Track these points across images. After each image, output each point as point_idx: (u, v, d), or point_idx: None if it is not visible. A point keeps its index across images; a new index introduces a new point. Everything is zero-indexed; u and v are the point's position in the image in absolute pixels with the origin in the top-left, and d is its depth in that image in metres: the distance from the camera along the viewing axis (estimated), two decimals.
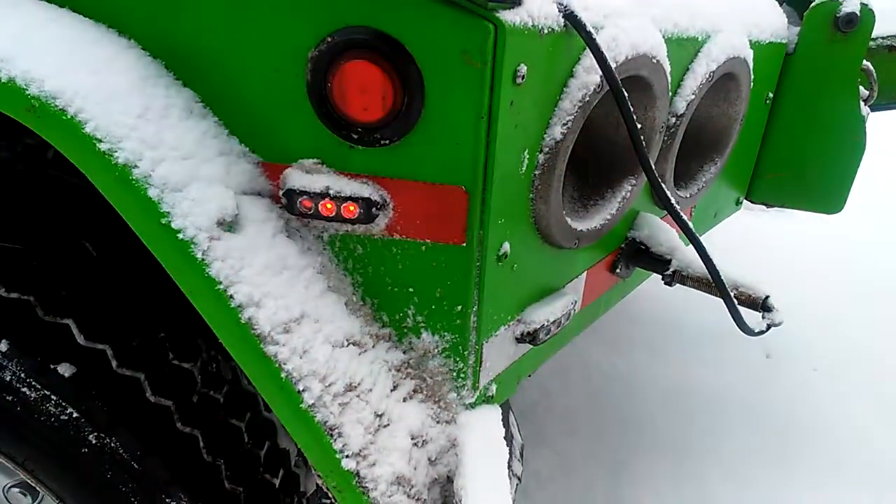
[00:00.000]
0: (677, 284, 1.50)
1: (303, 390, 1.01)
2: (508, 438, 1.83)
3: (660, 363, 3.25)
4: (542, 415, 2.80)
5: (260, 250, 1.00)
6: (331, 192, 1.01)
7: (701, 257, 1.29)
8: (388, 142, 0.97)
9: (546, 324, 1.22)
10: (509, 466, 1.84)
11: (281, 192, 1.03)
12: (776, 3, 1.93)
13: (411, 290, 1.09)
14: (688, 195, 1.64)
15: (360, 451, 1.05)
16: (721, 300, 1.37)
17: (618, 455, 2.66)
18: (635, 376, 3.14)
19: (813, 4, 1.84)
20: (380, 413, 1.09)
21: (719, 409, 2.94)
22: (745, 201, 2.22)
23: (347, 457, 1.04)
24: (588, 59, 1.07)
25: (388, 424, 1.10)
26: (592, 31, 1.00)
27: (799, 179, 2.07)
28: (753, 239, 4.09)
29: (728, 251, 3.51)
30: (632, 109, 1.10)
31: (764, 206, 2.23)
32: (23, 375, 1.10)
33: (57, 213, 1.30)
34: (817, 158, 2.02)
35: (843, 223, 3.33)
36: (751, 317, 1.41)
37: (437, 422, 1.17)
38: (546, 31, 0.97)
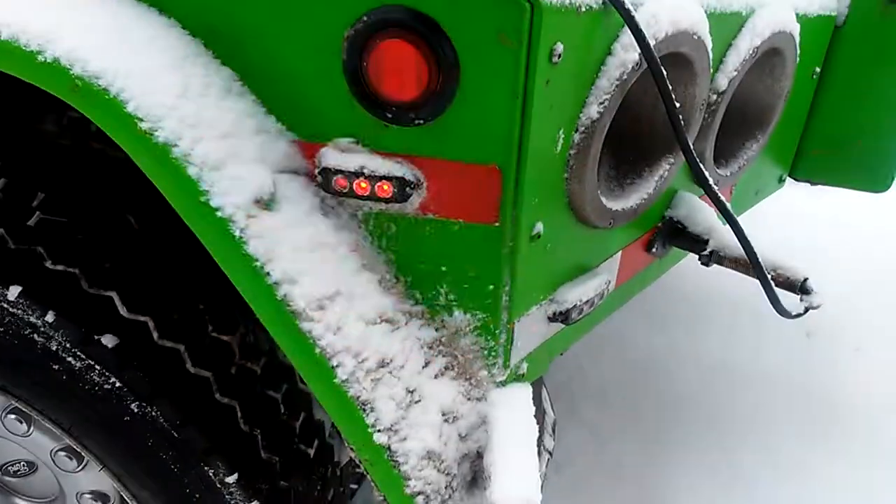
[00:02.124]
0: (714, 265, 1.48)
1: (336, 366, 1.03)
2: (540, 414, 1.84)
3: (697, 340, 3.21)
4: (576, 390, 2.81)
5: (296, 228, 1.01)
6: (365, 171, 1.02)
7: (738, 238, 1.27)
8: (422, 121, 0.97)
9: (579, 303, 1.22)
10: (541, 442, 1.85)
11: (316, 171, 1.04)
12: None
13: (444, 268, 1.10)
14: (728, 173, 1.61)
15: (392, 425, 1.07)
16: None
17: (651, 432, 2.66)
18: (671, 353, 3.11)
19: None
20: (411, 389, 1.11)
21: (757, 388, 2.91)
22: (787, 178, 2.17)
23: (379, 431, 1.06)
24: (626, 37, 1.05)
25: (420, 400, 1.11)
26: (631, 7, 0.98)
27: (845, 156, 2.02)
28: (797, 214, 3.99)
29: (771, 228, 3.46)
30: (670, 87, 1.08)
31: (808, 184, 2.18)
32: (68, 345, 1.14)
33: (100, 186, 1.34)
34: (866, 135, 1.96)
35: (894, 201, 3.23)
36: (788, 299, 1.40)
37: (468, 399, 1.18)
38: (583, 9, 0.95)
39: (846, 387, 2.95)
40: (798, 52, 1.60)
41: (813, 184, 2.16)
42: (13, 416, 1.34)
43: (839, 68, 1.89)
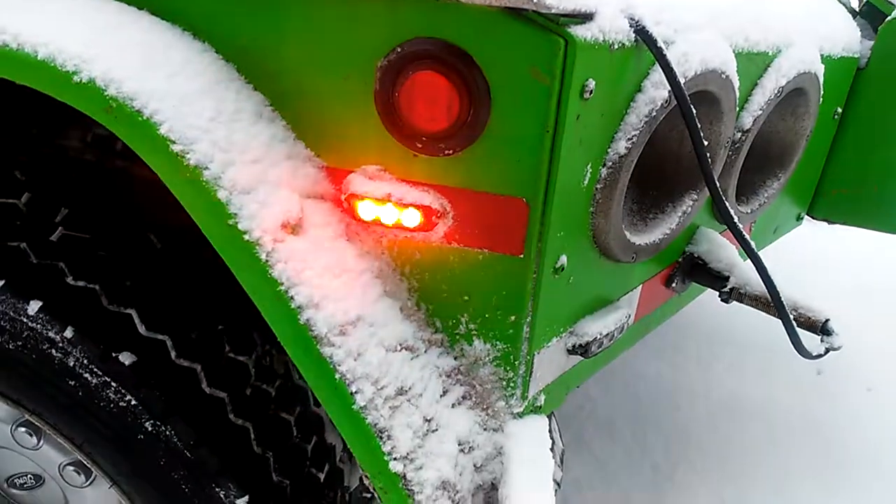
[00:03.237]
0: (734, 302, 1.47)
1: (355, 392, 1.02)
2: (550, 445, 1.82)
3: (706, 374, 3.19)
4: (584, 421, 2.78)
5: (321, 253, 1.02)
6: (392, 198, 1.02)
7: (761, 277, 1.27)
8: (451, 151, 0.97)
9: (598, 337, 1.22)
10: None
11: (343, 197, 1.05)
12: (849, 15, 1.87)
13: (466, 297, 1.10)
14: (749, 210, 1.61)
15: (408, 454, 1.06)
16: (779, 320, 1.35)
17: (660, 466, 2.63)
18: (681, 386, 3.09)
19: (889, 19, 1.78)
20: (429, 418, 1.10)
21: (767, 424, 2.88)
22: (806, 217, 2.16)
23: (395, 459, 1.05)
24: (657, 74, 1.05)
25: (437, 429, 1.11)
26: (663, 46, 0.99)
27: (865, 197, 2.01)
28: (811, 252, 3.98)
29: (784, 264, 3.44)
30: (699, 126, 1.08)
31: (826, 223, 2.17)
32: (86, 362, 1.14)
33: (123, 203, 1.34)
34: (885, 176, 1.95)
35: None
36: (807, 338, 1.38)
37: (485, 429, 1.17)
38: (616, 47, 0.96)
39: (857, 426, 2.92)
40: (821, 92, 1.60)
41: (831, 223, 2.15)
42: (23, 429, 1.33)
43: (860, 109, 1.89)
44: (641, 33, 0.97)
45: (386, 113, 0.97)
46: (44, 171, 1.34)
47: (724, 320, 3.52)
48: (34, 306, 1.13)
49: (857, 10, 1.98)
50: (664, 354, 3.23)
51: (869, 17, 1.94)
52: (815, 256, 3.93)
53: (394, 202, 1.02)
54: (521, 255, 1.02)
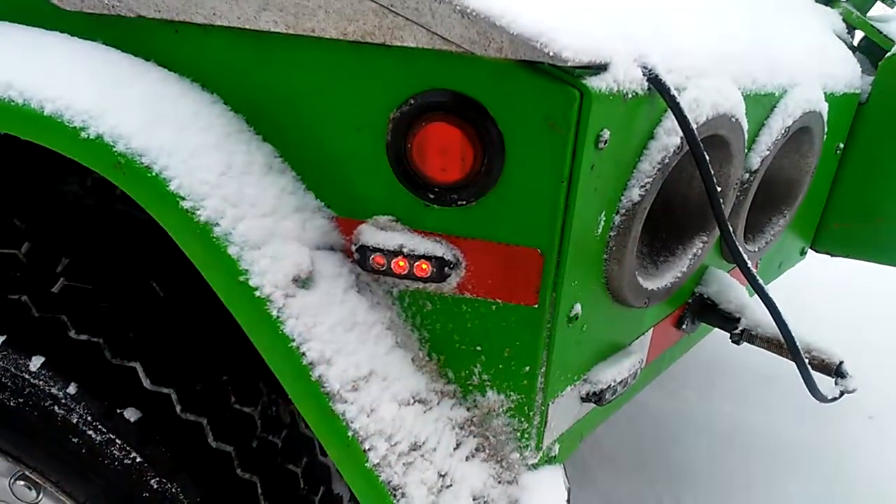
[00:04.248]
0: (745, 343, 1.45)
1: (368, 449, 1.00)
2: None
3: (708, 405, 3.17)
4: (587, 455, 2.75)
5: (332, 307, 1.00)
6: (404, 249, 1.00)
7: (774, 319, 1.25)
8: (464, 202, 0.96)
9: (613, 384, 1.20)
10: None
11: (354, 248, 1.03)
12: (849, 51, 1.88)
13: (479, 348, 1.08)
14: (756, 248, 1.60)
15: None
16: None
17: (663, 499, 2.60)
18: (683, 418, 3.07)
19: (888, 54, 1.79)
20: (443, 473, 1.07)
21: (770, 456, 2.86)
22: (809, 250, 2.16)
23: None
24: (669, 121, 1.05)
25: (451, 485, 1.08)
26: (676, 94, 0.98)
27: (866, 230, 2.01)
28: (812, 280, 3.98)
29: (785, 289, 3.44)
30: (711, 172, 1.08)
31: (828, 255, 2.17)
32: (89, 419, 1.10)
33: (125, 250, 1.32)
34: (886, 210, 1.95)
35: None
36: (820, 379, 1.37)
37: (499, 482, 1.15)
38: (630, 96, 0.95)
39: (859, 454, 2.90)
40: (825, 129, 1.60)
41: (833, 255, 2.15)
42: (22, 483, 1.29)
43: (861, 144, 1.90)
44: (655, 82, 0.97)
45: (398, 164, 0.95)
46: (43, 219, 1.32)
47: (722, 349, 3.50)
48: (36, 362, 1.10)
49: (857, 45, 1.99)
50: (666, 386, 3.21)
51: (868, 52, 1.96)
52: (816, 284, 3.93)
53: (406, 253, 1.00)
54: (536, 305, 1.01)
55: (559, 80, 0.87)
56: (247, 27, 0.96)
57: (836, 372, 1.38)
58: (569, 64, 0.86)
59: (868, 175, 1.94)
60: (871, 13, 2.03)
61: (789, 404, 3.13)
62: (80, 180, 1.50)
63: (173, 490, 1.13)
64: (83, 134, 0.89)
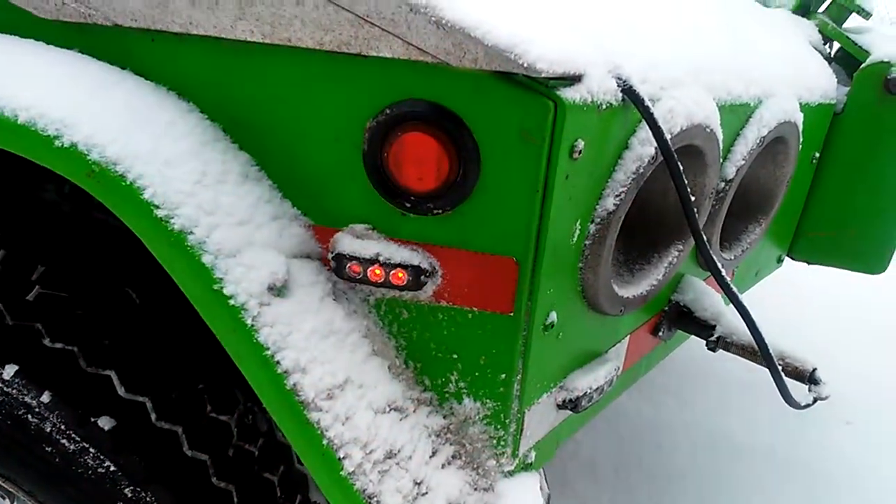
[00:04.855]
0: (721, 350, 1.47)
1: (343, 458, 0.99)
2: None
3: (688, 411, 3.19)
4: (567, 463, 2.76)
5: (308, 315, 0.99)
6: (380, 258, 1.01)
7: (748, 327, 1.27)
8: (440, 211, 0.97)
9: (588, 391, 1.20)
10: None
11: (330, 256, 1.03)
12: (825, 62, 1.91)
13: (455, 356, 1.08)
14: (732, 257, 1.62)
15: None
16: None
17: None
18: (663, 424, 3.08)
19: (863, 66, 1.82)
20: (418, 481, 1.07)
21: (748, 461, 2.88)
22: (786, 258, 2.18)
23: None
24: (643, 132, 1.06)
25: (427, 493, 1.08)
26: (650, 104, 0.99)
27: (842, 239, 2.04)
28: (785, 287, 4.02)
29: (760, 298, 3.47)
30: (686, 181, 1.09)
31: (805, 263, 2.19)
32: (63, 427, 1.10)
33: (101, 257, 1.31)
34: (862, 219, 1.98)
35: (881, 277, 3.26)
36: (794, 386, 1.38)
37: (475, 489, 1.15)
38: (604, 107, 0.96)
39: (836, 460, 2.93)
40: (800, 139, 1.62)
41: (810, 263, 2.17)
42: None
43: (837, 154, 1.93)
44: (629, 93, 0.98)
45: (375, 173, 0.96)
46: (19, 226, 1.30)
47: (703, 355, 3.53)
48: (10, 370, 1.09)
49: (832, 56, 2.02)
50: (645, 393, 3.23)
51: (843, 63, 1.99)
52: (787, 288, 3.96)
53: (382, 262, 1.01)
54: (511, 314, 1.01)
55: (534, 91, 0.88)
56: (223, 36, 0.96)
57: (810, 379, 1.40)
58: (543, 75, 0.86)
59: (844, 184, 1.96)
60: (846, 25, 2.06)
61: (770, 410, 3.15)
62: (57, 187, 1.49)
63: (148, 499, 1.12)
64: (57, 142, 0.89)
